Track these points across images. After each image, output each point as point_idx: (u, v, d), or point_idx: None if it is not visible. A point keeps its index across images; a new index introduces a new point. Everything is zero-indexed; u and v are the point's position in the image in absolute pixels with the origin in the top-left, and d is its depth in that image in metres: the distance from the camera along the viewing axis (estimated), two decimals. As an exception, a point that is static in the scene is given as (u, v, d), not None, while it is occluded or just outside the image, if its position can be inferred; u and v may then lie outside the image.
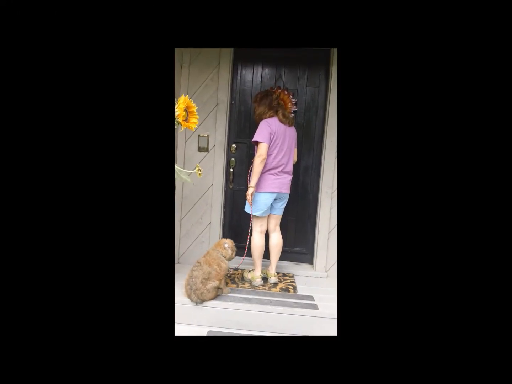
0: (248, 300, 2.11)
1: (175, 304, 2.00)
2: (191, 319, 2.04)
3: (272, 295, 2.22)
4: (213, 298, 2.08)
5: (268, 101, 2.23)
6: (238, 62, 2.75)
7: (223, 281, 2.15)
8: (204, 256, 2.13)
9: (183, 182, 2.62)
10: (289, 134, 2.27)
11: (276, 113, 2.22)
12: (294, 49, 2.67)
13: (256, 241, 2.32)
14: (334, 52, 2.54)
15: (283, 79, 2.75)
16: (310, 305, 2.10)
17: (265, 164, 2.19)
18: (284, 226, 2.89)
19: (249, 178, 2.29)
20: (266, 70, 2.77)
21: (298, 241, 2.89)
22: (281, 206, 2.37)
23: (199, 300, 2.02)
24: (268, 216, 2.37)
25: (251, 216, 2.30)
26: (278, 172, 2.24)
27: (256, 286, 2.34)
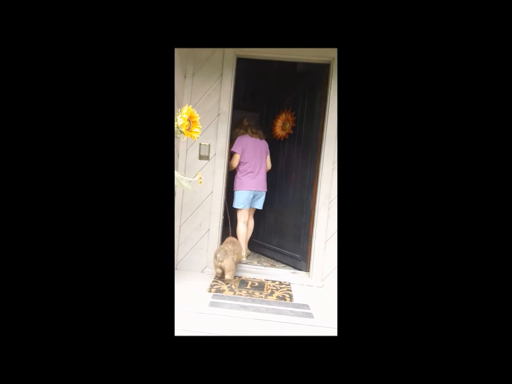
0: (245, 308, 2.12)
1: (172, 310, 2.01)
2: (187, 326, 2.05)
3: (269, 303, 2.24)
4: (235, 269, 2.59)
5: (239, 127, 3.07)
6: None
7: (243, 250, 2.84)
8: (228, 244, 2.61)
9: (183, 189, 2.65)
10: (259, 145, 3.01)
11: (246, 131, 3.03)
12: (291, 62, 2.83)
13: (241, 229, 3.04)
14: (333, 65, 2.60)
15: (285, 100, 3.06)
16: (305, 314, 2.12)
17: (243, 169, 2.98)
18: (280, 232, 3.10)
19: (235, 181, 3.07)
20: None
21: (293, 247, 2.98)
22: (260, 202, 3.12)
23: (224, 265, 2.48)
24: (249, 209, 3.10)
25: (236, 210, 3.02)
26: (254, 174, 2.99)
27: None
